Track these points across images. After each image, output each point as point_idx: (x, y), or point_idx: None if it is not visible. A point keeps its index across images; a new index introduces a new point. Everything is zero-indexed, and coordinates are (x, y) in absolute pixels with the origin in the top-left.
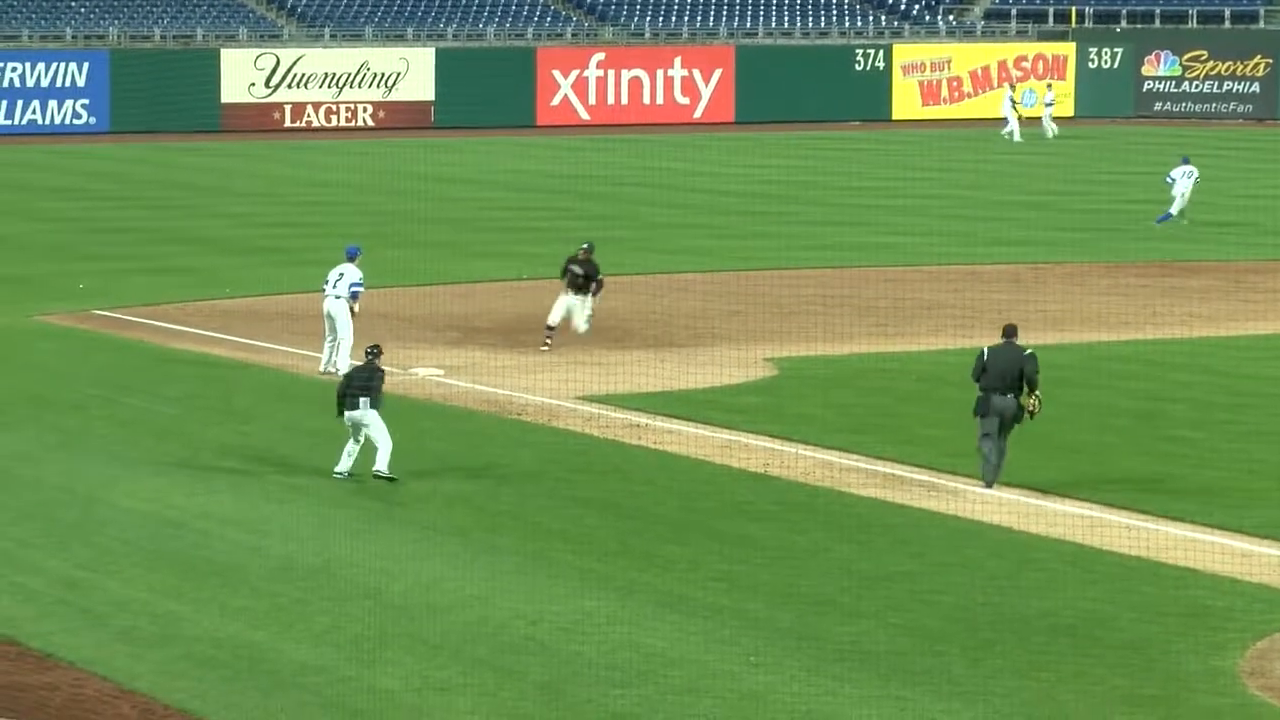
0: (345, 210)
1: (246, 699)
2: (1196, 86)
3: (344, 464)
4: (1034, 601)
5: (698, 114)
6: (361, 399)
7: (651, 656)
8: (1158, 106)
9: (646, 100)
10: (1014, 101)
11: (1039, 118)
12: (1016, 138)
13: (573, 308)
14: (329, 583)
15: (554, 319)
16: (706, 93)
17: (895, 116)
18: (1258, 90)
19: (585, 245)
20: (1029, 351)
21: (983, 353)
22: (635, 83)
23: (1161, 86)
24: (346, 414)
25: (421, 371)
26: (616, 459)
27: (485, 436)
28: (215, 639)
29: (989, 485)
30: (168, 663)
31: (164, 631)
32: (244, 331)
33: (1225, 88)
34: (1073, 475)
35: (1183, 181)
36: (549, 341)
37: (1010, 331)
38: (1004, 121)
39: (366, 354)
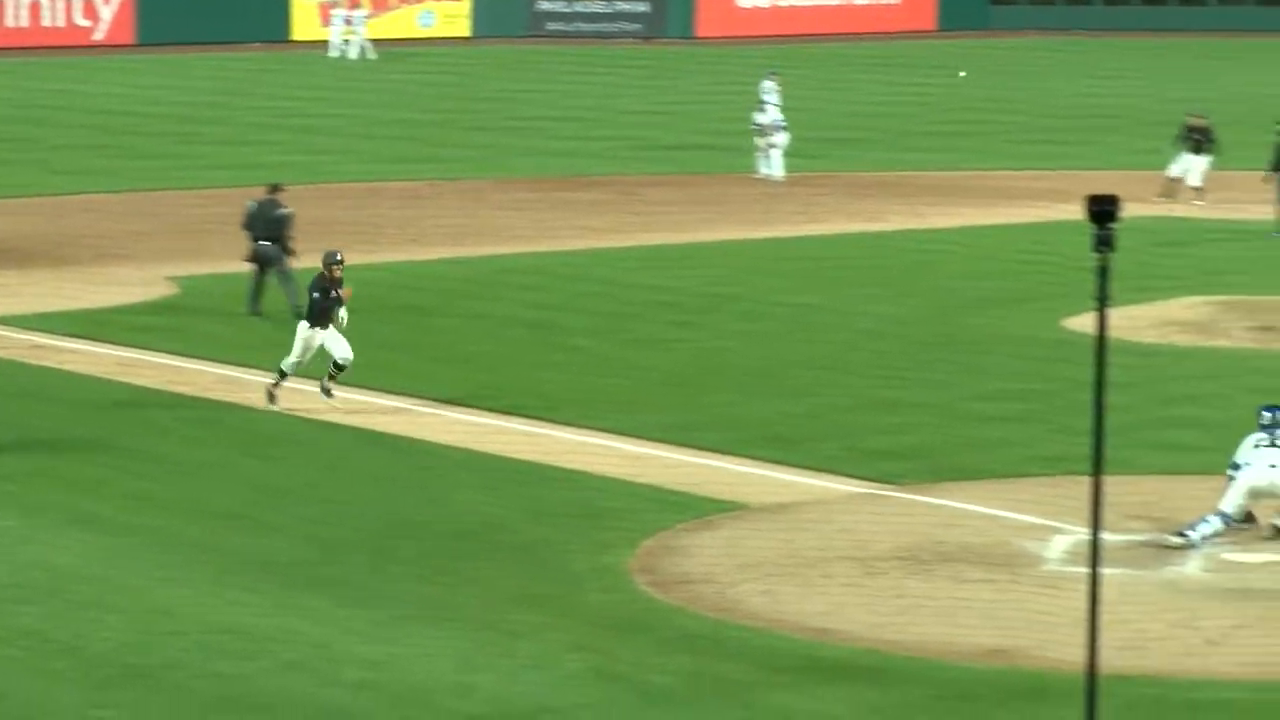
0: None
1: None
2: (587, 7)
3: None
4: (433, 508)
5: (98, 36)
6: None
7: (58, 573)
8: (550, 26)
9: (46, 22)
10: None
11: (348, 40)
12: (366, 55)
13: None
14: None
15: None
16: (108, 14)
17: (295, 37)
18: (647, 9)
19: (337, 255)
20: (288, 210)
21: (252, 206)
22: (34, 6)
23: (554, 7)
24: None
25: None
26: (22, 380)
27: None
28: None
29: (258, 312)
30: None
31: None
32: None
33: (615, 8)
34: (470, 385)
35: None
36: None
37: (273, 189)
38: (346, 44)
39: None
